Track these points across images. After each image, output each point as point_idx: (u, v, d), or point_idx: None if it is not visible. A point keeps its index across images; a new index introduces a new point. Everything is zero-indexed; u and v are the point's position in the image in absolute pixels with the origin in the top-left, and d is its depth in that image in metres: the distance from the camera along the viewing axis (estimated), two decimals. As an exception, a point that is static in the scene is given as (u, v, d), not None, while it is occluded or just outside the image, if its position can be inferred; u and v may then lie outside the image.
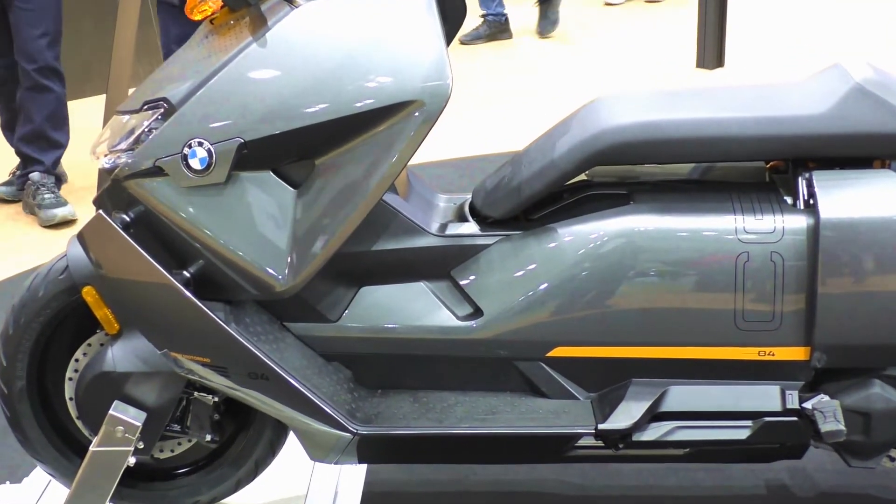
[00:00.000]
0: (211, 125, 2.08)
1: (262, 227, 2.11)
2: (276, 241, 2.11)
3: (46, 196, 4.28)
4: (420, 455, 2.29)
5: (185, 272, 2.14)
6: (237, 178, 2.10)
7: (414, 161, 2.15)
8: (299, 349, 2.23)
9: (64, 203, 4.28)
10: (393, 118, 2.06)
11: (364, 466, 2.64)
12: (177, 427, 2.29)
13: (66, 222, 4.26)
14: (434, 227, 2.26)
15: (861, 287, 2.10)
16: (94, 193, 4.31)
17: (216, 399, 2.27)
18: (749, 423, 2.16)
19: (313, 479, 2.61)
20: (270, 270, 2.12)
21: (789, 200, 2.17)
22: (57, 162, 4.42)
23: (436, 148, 4.46)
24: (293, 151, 2.10)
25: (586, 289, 2.17)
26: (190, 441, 2.39)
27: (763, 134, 2.15)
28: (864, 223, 2.09)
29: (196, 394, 2.27)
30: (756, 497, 2.59)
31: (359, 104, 2.05)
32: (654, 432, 2.16)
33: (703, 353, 2.17)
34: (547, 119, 2.53)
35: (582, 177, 2.30)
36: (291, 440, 2.34)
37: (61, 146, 4.40)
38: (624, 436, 2.16)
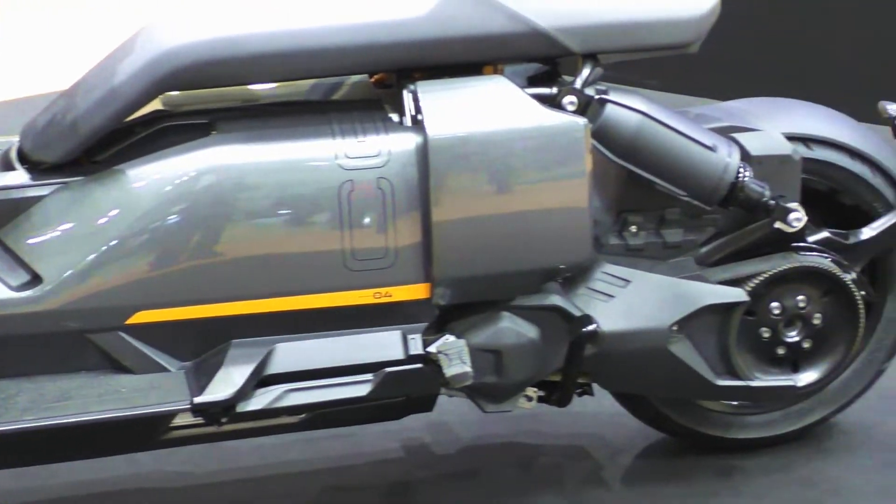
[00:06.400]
0: None
1: None
2: None
3: None
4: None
5: None
6: None
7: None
8: None
9: None
10: None
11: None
12: None
13: None
14: None
15: (476, 211, 2.22)
16: None
17: None
18: (369, 376, 2.24)
19: None
20: None
21: (395, 118, 2.26)
22: None
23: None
24: None
25: (166, 240, 2.18)
26: None
27: (356, 43, 2.23)
28: (475, 139, 2.21)
29: None
30: (394, 462, 2.70)
31: None
32: (261, 400, 2.20)
33: (310, 303, 2.23)
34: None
35: (158, 107, 2.30)
36: None
37: None
38: (226, 408, 2.19)
